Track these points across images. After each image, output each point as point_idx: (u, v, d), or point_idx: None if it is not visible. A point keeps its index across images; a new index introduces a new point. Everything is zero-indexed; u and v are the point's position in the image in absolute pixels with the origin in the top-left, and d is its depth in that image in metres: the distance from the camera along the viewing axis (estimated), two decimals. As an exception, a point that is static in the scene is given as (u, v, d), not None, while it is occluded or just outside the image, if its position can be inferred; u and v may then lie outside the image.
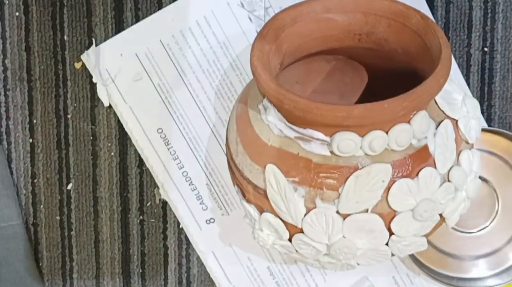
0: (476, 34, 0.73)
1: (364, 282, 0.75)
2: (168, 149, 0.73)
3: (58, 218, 0.75)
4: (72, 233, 0.76)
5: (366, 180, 0.55)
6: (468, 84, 0.73)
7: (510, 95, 0.74)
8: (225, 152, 0.63)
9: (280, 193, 0.56)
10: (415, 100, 0.53)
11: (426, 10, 0.72)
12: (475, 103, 0.61)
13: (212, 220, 0.74)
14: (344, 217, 0.56)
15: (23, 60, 0.74)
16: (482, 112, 0.74)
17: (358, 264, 0.60)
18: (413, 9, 0.60)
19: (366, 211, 0.56)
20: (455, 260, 0.73)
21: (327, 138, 0.54)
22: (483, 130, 0.72)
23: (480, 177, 0.71)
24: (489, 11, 0.73)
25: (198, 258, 0.75)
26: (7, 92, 0.74)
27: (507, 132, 0.71)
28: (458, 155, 0.58)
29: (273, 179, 0.56)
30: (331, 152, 0.55)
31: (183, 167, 0.73)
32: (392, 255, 0.59)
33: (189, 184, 0.74)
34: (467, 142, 0.60)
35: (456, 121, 0.59)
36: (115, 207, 0.75)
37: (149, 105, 0.73)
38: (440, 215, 0.58)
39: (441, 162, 0.57)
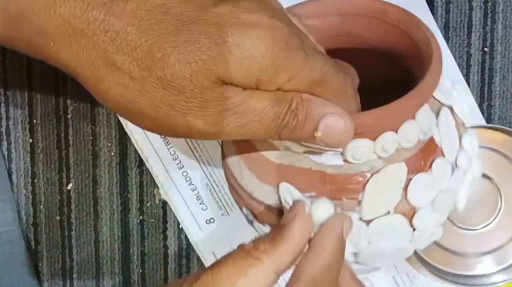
0: (476, 34, 0.73)
1: (364, 282, 0.74)
2: (168, 149, 0.73)
3: (58, 218, 0.75)
4: (72, 233, 0.76)
5: (385, 182, 0.54)
6: (468, 84, 0.73)
7: (510, 95, 0.74)
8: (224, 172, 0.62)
9: None
10: (422, 96, 0.53)
11: (426, 10, 0.72)
12: (464, 86, 0.62)
13: (212, 220, 0.74)
14: (368, 222, 0.55)
15: (23, 61, 0.74)
16: (482, 112, 0.74)
17: (383, 265, 0.59)
18: (391, 4, 0.60)
19: (388, 213, 0.55)
20: (460, 257, 0.73)
21: (340, 149, 0.54)
22: (483, 127, 0.72)
23: (482, 174, 0.72)
24: (489, 11, 0.73)
25: (198, 258, 0.75)
26: (7, 92, 0.74)
27: (508, 128, 0.71)
28: (460, 139, 0.59)
29: (289, 197, 0.55)
30: (345, 161, 0.54)
31: (183, 167, 0.73)
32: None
33: (189, 184, 0.74)
34: (464, 126, 0.60)
35: (451, 107, 0.59)
36: (115, 207, 0.75)
37: (149, 106, 0.73)
38: None
39: (448, 150, 0.57)
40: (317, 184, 0.55)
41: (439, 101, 0.58)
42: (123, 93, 0.46)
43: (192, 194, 0.74)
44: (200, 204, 0.74)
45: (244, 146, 0.58)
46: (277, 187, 0.55)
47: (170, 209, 0.75)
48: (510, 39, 0.73)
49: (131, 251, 0.76)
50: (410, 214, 0.56)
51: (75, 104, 0.74)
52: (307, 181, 0.55)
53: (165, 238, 0.75)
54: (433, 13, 0.73)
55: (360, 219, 0.55)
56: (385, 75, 0.61)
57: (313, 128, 0.49)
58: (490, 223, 0.73)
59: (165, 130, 0.49)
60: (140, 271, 0.76)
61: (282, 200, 0.55)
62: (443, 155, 0.56)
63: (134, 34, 0.45)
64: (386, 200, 0.54)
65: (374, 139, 0.53)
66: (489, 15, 0.73)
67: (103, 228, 0.75)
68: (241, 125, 0.48)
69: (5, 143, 0.75)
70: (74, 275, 0.76)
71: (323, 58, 0.50)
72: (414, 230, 0.56)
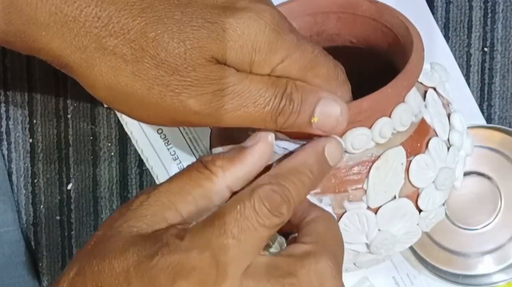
0: (476, 34, 0.73)
1: (364, 282, 0.74)
2: (168, 149, 0.73)
3: (58, 218, 0.75)
4: (72, 233, 0.75)
5: (387, 168, 0.55)
6: (468, 84, 0.73)
7: (510, 95, 0.74)
8: None
9: None
10: (411, 78, 0.54)
11: (426, 10, 0.72)
12: (443, 68, 0.62)
13: (212, 220, 0.74)
14: (375, 210, 0.55)
15: (23, 60, 0.74)
16: (482, 112, 0.74)
17: (394, 252, 0.60)
18: None
19: (394, 197, 0.56)
20: (460, 257, 0.73)
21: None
22: (482, 127, 0.72)
23: (482, 174, 0.72)
24: (489, 11, 0.73)
25: (198, 258, 0.75)
26: (7, 92, 0.74)
27: (507, 128, 0.72)
28: (449, 118, 0.60)
29: None
30: (345, 152, 0.54)
31: (183, 167, 0.73)
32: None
33: (189, 184, 0.73)
34: (449, 105, 0.61)
35: (434, 88, 0.60)
36: (115, 207, 0.75)
37: (149, 106, 0.73)
38: None
39: (440, 129, 0.58)
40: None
41: (423, 84, 0.59)
42: (115, 77, 0.46)
43: (192, 194, 0.73)
44: (200, 204, 0.74)
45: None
46: None
47: (170, 209, 0.75)
48: (510, 39, 0.73)
49: (131, 251, 0.75)
50: (414, 196, 0.57)
51: (75, 104, 0.74)
52: None
53: (165, 238, 0.75)
54: (433, 13, 0.73)
55: (368, 208, 0.55)
56: (365, 71, 0.61)
57: (310, 114, 0.50)
58: (490, 223, 0.73)
59: (159, 116, 0.49)
60: (140, 271, 0.76)
61: None
62: (436, 134, 0.57)
63: (127, 17, 0.46)
64: (390, 185, 0.55)
65: (370, 126, 0.54)
66: (489, 15, 0.73)
67: (103, 228, 0.75)
68: (236, 107, 0.48)
69: (5, 143, 0.75)
70: (74, 275, 0.76)
71: (313, 43, 0.51)
72: (420, 211, 0.57)
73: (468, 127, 0.64)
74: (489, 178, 0.72)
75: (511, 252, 0.73)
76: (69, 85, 0.74)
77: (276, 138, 0.55)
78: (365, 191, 0.55)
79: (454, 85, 0.73)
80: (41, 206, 0.75)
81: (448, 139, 0.59)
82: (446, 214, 0.70)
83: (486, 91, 0.74)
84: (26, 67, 0.74)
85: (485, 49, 0.74)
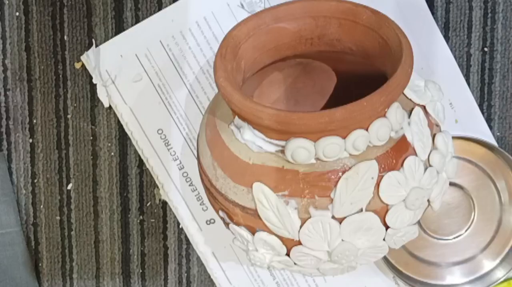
0: (476, 34, 0.73)
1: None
2: (168, 150, 0.73)
3: (58, 218, 0.76)
4: (72, 233, 0.76)
5: (356, 180, 0.55)
6: (468, 84, 0.73)
7: (510, 95, 0.74)
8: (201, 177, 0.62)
9: (272, 209, 0.55)
10: (391, 94, 0.54)
11: (426, 10, 0.72)
12: (437, 87, 0.62)
13: (212, 221, 0.74)
14: (340, 220, 0.56)
15: (23, 60, 0.74)
16: (482, 112, 0.74)
17: (358, 264, 0.60)
18: (362, 6, 0.60)
19: (361, 210, 0.56)
20: (431, 266, 0.74)
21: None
22: (460, 138, 0.72)
23: (457, 185, 0.73)
24: (489, 11, 0.73)
25: (198, 258, 0.75)
26: (7, 92, 0.74)
27: (484, 140, 0.72)
28: (433, 138, 0.59)
29: (263, 197, 0.55)
30: (317, 159, 0.54)
31: (183, 167, 0.73)
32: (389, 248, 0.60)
33: (189, 185, 0.74)
34: (437, 125, 0.61)
35: (424, 106, 0.60)
36: (115, 207, 0.75)
37: (149, 106, 0.73)
38: (427, 199, 0.59)
39: (420, 149, 0.57)
40: (290, 182, 0.55)
41: (412, 101, 0.59)
42: None
43: (192, 194, 0.74)
44: (200, 204, 0.74)
45: (218, 148, 0.59)
46: (251, 187, 0.56)
47: (170, 209, 0.75)
48: (510, 39, 0.73)
49: (131, 251, 0.76)
50: (382, 212, 0.56)
51: (75, 104, 0.74)
52: (281, 180, 0.55)
53: (165, 238, 0.75)
54: (433, 13, 0.73)
55: (333, 217, 0.55)
56: (366, 77, 0.61)
57: None
58: (462, 234, 0.73)
59: None
60: (140, 271, 0.76)
61: (256, 201, 0.56)
62: (415, 153, 0.57)
63: None
64: (358, 197, 0.55)
65: (345, 137, 0.54)
66: (489, 15, 0.73)
67: (103, 228, 0.75)
68: None
69: (5, 143, 0.75)
70: (74, 275, 0.76)
71: None
72: (387, 228, 0.57)
73: (453, 137, 0.63)
74: (463, 188, 0.73)
75: (480, 265, 0.73)
76: (69, 85, 0.74)
77: (252, 135, 0.56)
78: (332, 200, 0.55)
79: (454, 85, 0.73)
80: (41, 206, 0.75)
81: (428, 159, 0.58)
82: (419, 223, 0.70)
83: (486, 91, 0.74)
84: (26, 67, 0.74)
85: (485, 49, 0.74)
